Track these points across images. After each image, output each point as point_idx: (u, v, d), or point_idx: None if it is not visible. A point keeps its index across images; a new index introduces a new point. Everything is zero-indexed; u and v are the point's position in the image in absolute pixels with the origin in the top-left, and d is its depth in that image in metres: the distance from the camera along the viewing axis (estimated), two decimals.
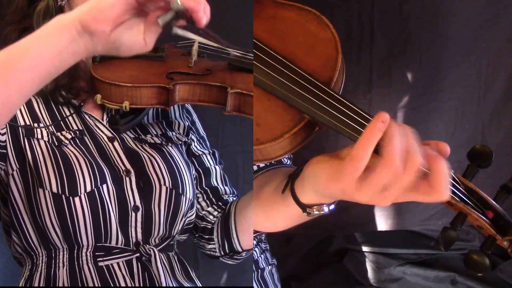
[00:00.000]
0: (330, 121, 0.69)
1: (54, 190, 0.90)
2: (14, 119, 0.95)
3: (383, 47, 1.31)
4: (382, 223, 1.40)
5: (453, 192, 0.67)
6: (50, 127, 0.97)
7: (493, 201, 0.69)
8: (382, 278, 1.42)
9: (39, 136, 0.94)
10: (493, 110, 1.31)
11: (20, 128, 0.95)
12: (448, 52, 1.29)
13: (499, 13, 1.26)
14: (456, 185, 0.68)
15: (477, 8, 1.26)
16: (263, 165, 0.99)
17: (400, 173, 0.63)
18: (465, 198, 0.68)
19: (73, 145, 0.96)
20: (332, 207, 0.76)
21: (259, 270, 1.18)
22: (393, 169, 0.63)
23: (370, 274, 1.45)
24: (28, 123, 0.96)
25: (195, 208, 1.06)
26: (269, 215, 0.86)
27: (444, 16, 1.27)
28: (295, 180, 0.77)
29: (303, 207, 0.77)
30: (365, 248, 1.46)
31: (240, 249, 1.04)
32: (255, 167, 0.98)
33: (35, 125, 0.96)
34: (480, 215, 0.68)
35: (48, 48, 0.67)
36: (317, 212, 0.77)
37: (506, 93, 1.31)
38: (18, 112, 0.96)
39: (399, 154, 0.63)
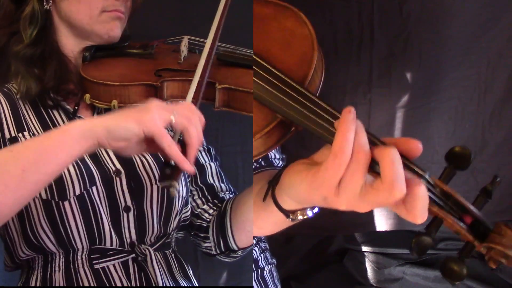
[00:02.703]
0: (301, 120, 0.68)
1: (43, 196, 0.90)
2: (1, 133, 0.95)
3: (383, 47, 1.31)
4: (382, 223, 1.40)
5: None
6: (36, 133, 0.96)
7: (471, 206, 0.66)
8: (382, 278, 1.42)
9: None
10: (493, 110, 1.31)
11: (6, 141, 0.94)
12: (448, 52, 1.29)
13: (499, 13, 1.26)
14: (431, 188, 0.65)
15: (477, 8, 1.26)
16: (253, 167, 0.98)
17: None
18: (439, 202, 0.65)
19: None
20: (316, 210, 0.75)
21: (259, 270, 1.18)
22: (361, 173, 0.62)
23: (370, 274, 1.44)
24: (13, 134, 0.95)
25: (189, 204, 1.06)
26: (254, 220, 0.86)
27: (444, 16, 1.27)
28: (275, 187, 0.76)
29: (286, 213, 0.76)
30: (365, 248, 1.46)
31: (236, 248, 1.04)
32: None
33: (20, 135, 0.95)
34: (456, 220, 0.65)
35: (71, 154, 0.75)
36: (301, 217, 0.76)
37: (506, 93, 1.30)
38: (4, 123, 0.96)
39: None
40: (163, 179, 0.77)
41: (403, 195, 0.61)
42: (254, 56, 0.73)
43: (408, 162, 0.65)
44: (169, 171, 0.77)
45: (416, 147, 0.65)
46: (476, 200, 0.68)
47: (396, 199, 0.61)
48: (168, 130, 0.77)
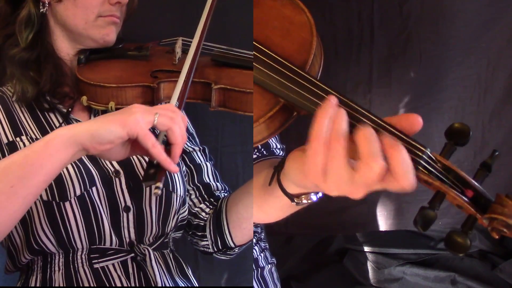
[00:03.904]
0: (304, 103, 0.69)
1: (44, 197, 0.90)
2: None
3: (383, 47, 1.31)
4: (382, 223, 1.40)
5: (429, 171, 0.66)
6: (34, 135, 0.96)
7: (472, 180, 0.68)
8: (382, 278, 1.42)
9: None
10: (493, 110, 1.31)
11: (4, 146, 0.95)
12: (448, 52, 1.29)
13: (499, 13, 1.26)
14: (433, 163, 0.67)
15: (477, 8, 1.26)
16: (255, 156, 0.99)
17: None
18: (441, 177, 0.67)
19: None
20: (320, 194, 0.77)
21: (259, 269, 1.19)
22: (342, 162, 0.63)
23: (370, 274, 1.45)
24: (10, 139, 0.95)
25: (187, 204, 1.06)
26: (261, 206, 0.87)
27: (444, 16, 1.27)
28: (281, 172, 0.78)
29: (291, 197, 0.77)
30: (365, 248, 1.46)
31: (232, 245, 1.04)
32: None
33: (18, 139, 0.95)
34: (458, 193, 0.67)
35: (58, 164, 0.76)
36: (305, 201, 0.77)
37: (506, 93, 1.31)
38: (1, 130, 0.96)
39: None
40: (146, 179, 0.78)
41: (382, 168, 0.62)
42: (255, 43, 0.74)
43: (408, 139, 0.67)
44: (153, 171, 0.78)
45: (416, 120, 0.67)
46: (476, 174, 0.69)
47: (376, 173, 0.62)
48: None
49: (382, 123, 0.67)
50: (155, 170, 0.78)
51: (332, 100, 0.65)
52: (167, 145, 0.79)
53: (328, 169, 0.64)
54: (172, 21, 1.34)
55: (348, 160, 0.63)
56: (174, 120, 0.78)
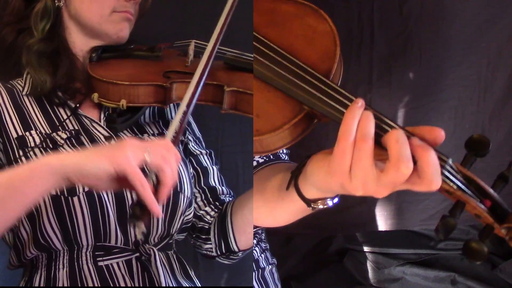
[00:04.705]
0: (330, 111, 0.71)
1: (53, 192, 0.90)
2: (6, 133, 0.96)
3: (383, 47, 1.31)
4: (382, 223, 1.40)
5: (451, 181, 0.68)
6: (44, 130, 0.96)
7: (490, 190, 0.69)
8: (382, 278, 1.42)
9: (32, 144, 0.94)
10: (493, 110, 1.31)
11: (13, 141, 0.95)
12: (448, 52, 1.29)
13: (499, 13, 1.26)
14: (454, 173, 0.68)
15: (477, 8, 1.26)
16: (262, 160, 0.99)
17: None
18: (462, 187, 0.68)
19: (69, 144, 0.96)
20: (336, 200, 0.79)
21: (260, 270, 1.19)
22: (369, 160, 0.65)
23: (370, 274, 1.45)
24: (20, 133, 0.95)
25: (193, 206, 1.06)
26: (272, 210, 0.87)
27: (444, 16, 1.27)
28: (298, 176, 0.79)
29: (308, 202, 0.78)
30: (365, 248, 1.46)
31: (236, 249, 1.04)
32: (254, 162, 0.99)
33: (27, 133, 0.95)
34: (478, 203, 0.68)
35: (39, 192, 0.76)
36: (321, 206, 0.79)
37: (506, 93, 1.30)
38: (10, 124, 0.96)
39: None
40: (131, 217, 0.78)
41: (409, 170, 0.64)
42: (280, 50, 0.75)
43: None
44: (138, 211, 0.77)
45: (440, 134, 0.69)
46: (494, 184, 0.71)
47: (404, 175, 0.64)
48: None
49: (406, 133, 0.68)
50: (141, 211, 0.77)
51: (360, 102, 0.67)
52: (157, 183, 0.78)
53: (355, 168, 0.65)
54: (181, 23, 1.35)
55: (374, 160, 0.65)
56: (166, 159, 0.77)
